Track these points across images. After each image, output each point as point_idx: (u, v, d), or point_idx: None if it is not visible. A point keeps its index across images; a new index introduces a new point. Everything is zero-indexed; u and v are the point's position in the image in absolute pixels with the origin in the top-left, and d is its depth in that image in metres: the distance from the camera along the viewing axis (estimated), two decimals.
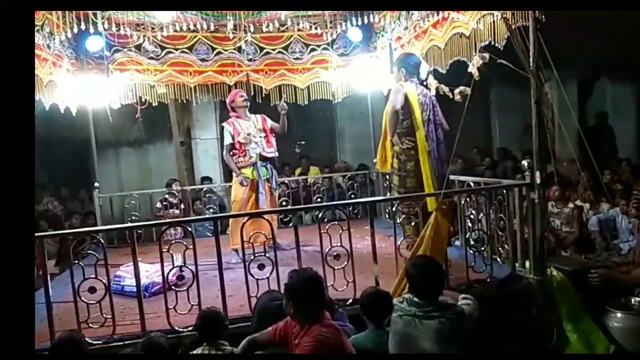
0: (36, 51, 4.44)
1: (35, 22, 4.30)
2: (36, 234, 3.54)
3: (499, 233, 4.07)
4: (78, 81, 5.35)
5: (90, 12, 4.95)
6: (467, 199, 4.31)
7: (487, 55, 3.88)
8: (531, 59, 3.66)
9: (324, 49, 6.37)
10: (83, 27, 4.89)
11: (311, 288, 2.51)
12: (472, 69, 3.94)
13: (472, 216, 4.29)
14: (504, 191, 3.98)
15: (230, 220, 5.04)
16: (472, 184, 4.48)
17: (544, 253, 3.81)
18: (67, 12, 4.62)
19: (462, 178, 4.84)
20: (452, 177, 4.97)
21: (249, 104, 5.19)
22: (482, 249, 4.00)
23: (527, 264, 3.87)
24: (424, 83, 4.60)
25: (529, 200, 3.79)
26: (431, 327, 2.54)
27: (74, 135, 6.43)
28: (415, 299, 2.64)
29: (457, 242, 4.73)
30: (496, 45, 3.84)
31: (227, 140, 5.10)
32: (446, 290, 2.95)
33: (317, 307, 2.49)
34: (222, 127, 5.21)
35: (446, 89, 4.49)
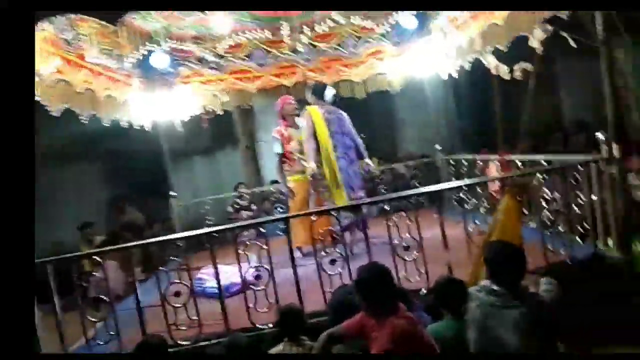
0: (108, 73, 4.75)
1: (105, 46, 4.48)
2: (123, 245, 3.87)
3: (576, 211, 3.88)
4: (148, 98, 5.63)
5: (152, 32, 5.15)
6: (542, 179, 4.15)
7: (549, 27, 3.73)
8: (599, 26, 3.46)
9: (378, 40, 6.25)
10: (148, 47, 5.07)
11: (377, 282, 2.52)
12: (534, 42, 3.79)
13: (546, 195, 4.13)
14: (580, 167, 3.81)
15: (291, 219, 5.13)
16: (543, 162, 4.31)
17: (627, 229, 3.61)
18: (132, 33, 4.83)
19: (533, 157, 4.65)
20: (522, 157, 4.82)
21: (298, 111, 5.15)
22: (559, 228, 3.84)
23: (610, 241, 3.68)
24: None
25: (607, 175, 3.60)
26: (511, 317, 2.42)
27: (148, 148, 6.81)
28: (494, 286, 2.52)
29: (532, 224, 4.56)
30: (559, 16, 3.65)
31: (277, 149, 5.11)
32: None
33: (386, 300, 2.50)
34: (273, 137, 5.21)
35: (505, 69, 4.36)
